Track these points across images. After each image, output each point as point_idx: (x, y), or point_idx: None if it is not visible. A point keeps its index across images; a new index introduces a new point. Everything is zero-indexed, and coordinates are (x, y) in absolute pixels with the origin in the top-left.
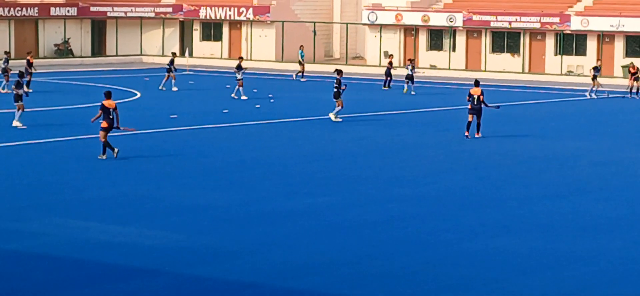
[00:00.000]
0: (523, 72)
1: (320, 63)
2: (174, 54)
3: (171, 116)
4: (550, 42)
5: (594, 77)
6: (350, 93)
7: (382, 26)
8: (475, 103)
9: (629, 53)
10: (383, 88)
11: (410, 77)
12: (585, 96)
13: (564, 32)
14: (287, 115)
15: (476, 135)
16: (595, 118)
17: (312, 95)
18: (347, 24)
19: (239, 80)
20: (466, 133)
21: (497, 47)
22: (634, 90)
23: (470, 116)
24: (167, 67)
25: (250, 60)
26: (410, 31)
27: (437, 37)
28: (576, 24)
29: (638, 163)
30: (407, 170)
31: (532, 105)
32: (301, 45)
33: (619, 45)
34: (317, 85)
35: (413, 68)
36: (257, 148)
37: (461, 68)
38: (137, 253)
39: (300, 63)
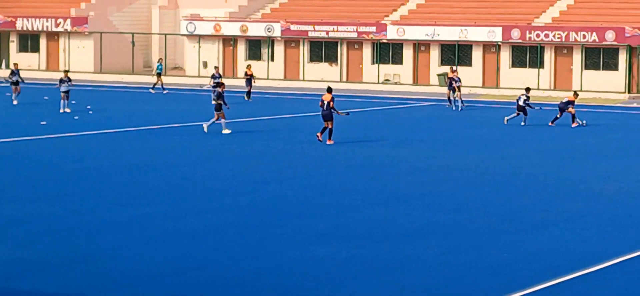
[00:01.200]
0: (341, 81)
1: (140, 74)
2: (15, 65)
3: None
4: (367, 51)
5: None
6: (171, 104)
7: (200, 37)
8: (325, 109)
9: (444, 61)
10: (245, 99)
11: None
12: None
13: (381, 41)
14: (106, 127)
15: (328, 142)
16: (414, 126)
17: (131, 107)
18: (165, 34)
19: (63, 93)
20: (318, 135)
21: (315, 57)
22: (454, 99)
23: (325, 122)
24: (14, 79)
25: (69, 71)
26: (229, 41)
27: (255, 47)
28: (392, 33)
29: (454, 170)
30: (229, 180)
31: (352, 113)
32: (160, 58)
33: (435, 54)
34: (137, 96)
35: (219, 76)
36: (76, 160)
37: (280, 78)
38: None
39: (158, 75)
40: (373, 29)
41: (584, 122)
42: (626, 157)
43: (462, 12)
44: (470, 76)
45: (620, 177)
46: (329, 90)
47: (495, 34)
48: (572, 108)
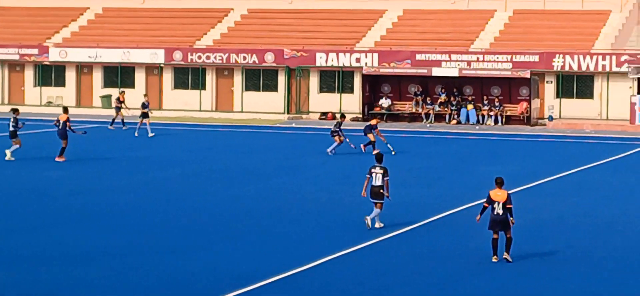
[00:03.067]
0: (3, 104)
1: None
2: None
3: None
4: (29, 73)
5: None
6: None
7: None
8: (61, 128)
9: (107, 84)
10: None
11: None
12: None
13: (43, 63)
14: None
15: (57, 159)
16: (78, 147)
17: None
18: None
19: None
20: (59, 158)
21: None
22: (119, 120)
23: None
24: None
25: None
26: None
27: None
28: (55, 56)
29: (118, 192)
30: None
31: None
32: None
33: (97, 76)
34: None
35: None
36: None
37: None
38: None
39: None
40: (35, 51)
41: (361, 147)
42: (287, 174)
43: (125, 34)
44: (133, 98)
45: (280, 195)
46: (65, 110)
47: (157, 56)
48: (371, 134)
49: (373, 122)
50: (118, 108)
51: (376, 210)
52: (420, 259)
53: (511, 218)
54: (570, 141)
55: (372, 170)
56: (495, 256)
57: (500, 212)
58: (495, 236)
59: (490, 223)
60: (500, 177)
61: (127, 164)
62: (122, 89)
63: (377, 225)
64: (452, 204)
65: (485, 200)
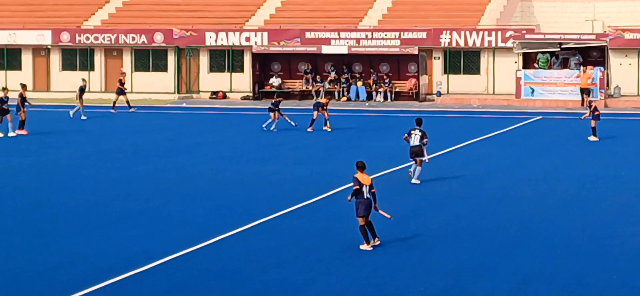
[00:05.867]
0: None
1: None
2: None
3: None
4: None
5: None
6: None
7: None
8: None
9: None
10: None
11: None
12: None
13: None
14: None
15: None
16: None
17: None
18: None
19: None
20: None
21: None
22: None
23: None
24: None
25: None
26: None
27: None
28: None
29: (19, 173)
30: None
31: None
32: None
33: None
34: None
35: None
36: None
37: None
38: None
39: None
40: None
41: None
42: (178, 154)
43: (10, 15)
44: (20, 80)
45: (172, 174)
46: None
47: (44, 37)
48: (323, 110)
49: (323, 100)
50: (121, 92)
51: (417, 168)
52: (309, 238)
53: (375, 204)
54: (458, 116)
55: (412, 131)
56: (372, 241)
57: (368, 195)
58: (361, 222)
59: (360, 208)
60: (362, 161)
61: (16, 145)
62: (123, 70)
63: (414, 181)
64: (341, 181)
65: (354, 184)
